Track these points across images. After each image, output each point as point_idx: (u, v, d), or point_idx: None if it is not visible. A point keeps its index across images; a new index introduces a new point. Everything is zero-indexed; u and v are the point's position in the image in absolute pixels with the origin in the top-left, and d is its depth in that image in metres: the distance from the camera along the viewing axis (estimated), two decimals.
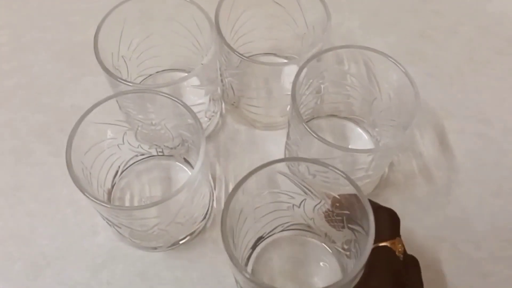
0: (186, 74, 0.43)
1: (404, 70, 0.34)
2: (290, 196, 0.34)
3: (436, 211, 0.39)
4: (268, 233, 0.37)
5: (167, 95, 0.33)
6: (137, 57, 0.41)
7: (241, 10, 0.40)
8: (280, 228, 0.37)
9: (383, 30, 0.49)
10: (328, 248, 0.37)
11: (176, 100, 0.33)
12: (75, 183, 0.30)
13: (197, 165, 0.31)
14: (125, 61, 0.40)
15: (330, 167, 0.29)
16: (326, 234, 0.36)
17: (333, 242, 0.36)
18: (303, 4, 0.39)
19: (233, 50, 0.35)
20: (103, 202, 0.29)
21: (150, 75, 0.44)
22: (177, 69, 0.44)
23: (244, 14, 0.41)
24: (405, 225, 0.38)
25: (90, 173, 0.34)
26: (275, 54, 0.45)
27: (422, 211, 0.39)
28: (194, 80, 0.35)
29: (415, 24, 0.49)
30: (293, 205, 0.35)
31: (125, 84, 0.33)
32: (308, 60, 0.35)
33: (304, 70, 0.35)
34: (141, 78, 0.43)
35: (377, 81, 0.37)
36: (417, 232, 0.38)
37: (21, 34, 0.48)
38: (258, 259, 0.37)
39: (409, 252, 0.37)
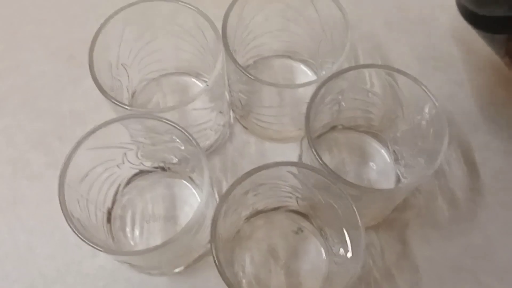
0: (191, 77, 0.41)
1: (436, 104, 0.30)
2: (296, 190, 0.33)
3: (458, 238, 0.37)
4: (267, 209, 0.36)
5: (167, 121, 0.30)
6: (138, 62, 0.38)
7: (252, 14, 0.36)
8: (281, 209, 0.37)
9: (408, 29, 0.44)
10: (320, 244, 0.36)
11: (176, 126, 0.30)
12: (71, 228, 0.28)
13: (201, 204, 0.29)
14: (125, 68, 0.37)
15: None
16: (321, 229, 0.36)
17: (326, 239, 0.35)
18: (320, 10, 0.35)
19: (242, 70, 0.31)
20: (103, 247, 0.27)
21: (154, 79, 0.41)
22: (182, 72, 0.41)
23: (256, 18, 0.37)
24: (424, 253, 0.36)
25: (86, 200, 0.32)
26: (289, 57, 0.42)
27: (443, 238, 0.36)
28: (199, 103, 0.32)
29: (445, 22, 0.44)
30: (296, 198, 0.35)
31: (124, 108, 0.31)
32: (326, 81, 0.32)
33: (322, 91, 0.32)
34: (144, 83, 0.40)
35: (402, 103, 0.33)
36: (436, 261, 0.36)
37: (15, 28, 0.45)
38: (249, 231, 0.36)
39: (427, 282, 0.35)
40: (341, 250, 0.32)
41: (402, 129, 0.35)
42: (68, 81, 0.42)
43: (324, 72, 0.39)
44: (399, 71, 0.31)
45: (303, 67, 0.42)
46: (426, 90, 0.31)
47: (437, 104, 0.30)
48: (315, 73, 0.41)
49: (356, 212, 0.28)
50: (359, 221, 0.28)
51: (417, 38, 0.44)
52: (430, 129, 0.31)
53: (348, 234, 0.30)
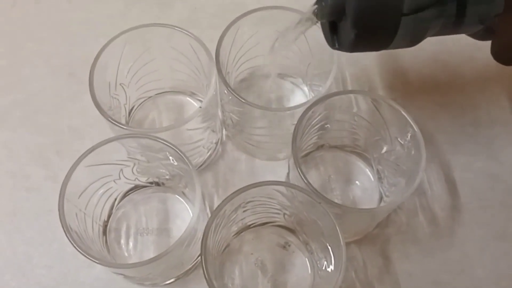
0: (186, 96, 0.43)
1: (415, 129, 0.32)
2: (284, 207, 0.35)
3: (437, 254, 0.38)
4: (256, 224, 0.38)
5: (162, 141, 0.32)
6: (136, 82, 0.40)
7: (245, 38, 0.38)
8: (269, 224, 0.38)
9: (394, 54, 0.46)
10: (305, 258, 0.37)
11: (170, 145, 0.32)
12: (69, 240, 0.29)
13: (193, 218, 0.30)
14: (123, 87, 0.39)
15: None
16: (307, 244, 0.37)
17: (311, 253, 0.37)
18: (308, 35, 0.37)
19: (234, 93, 0.33)
20: (98, 259, 0.29)
21: (150, 97, 0.43)
22: (178, 91, 0.43)
23: (249, 41, 0.39)
24: (404, 268, 0.38)
25: (84, 213, 0.34)
26: (281, 77, 0.44)
27: (423, 253, 0.38)
28: (193, 123, 0.33)
29: (428, 47, 0.46)
30: (284, 214, 0.36)
31: (121, 127, 0.32)
32: (313, 105, 0.33)
33: (308, 114, 0.34)
34: (141, 101, 0.42)
35: (385, 125, 0.35)
36: (416, 275, 0.38)
37: (18, 45, 0.47)
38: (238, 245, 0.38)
39: None
40: (325, 264, 0.34)
41: (385, 150, 0.37)
42: (67, 97, 0.44)
43: (313, 94, 0.41)
44: (382, 98, 0.33)
45: (293, 87, 0.44)
46: (406, 115, 0.33)
47: (416, 128, 0.32)
48: (305, 93, 0.43)
49: (339, 231, 0.30)
50: (341, 239, 0.29)
51: (402, 62, 0.46)
52: (409, 151, 0.33)
53: (331, 249, 0.32)
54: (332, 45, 0.30)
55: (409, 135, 0.33)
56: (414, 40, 0.28)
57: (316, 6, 0.29)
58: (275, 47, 0.34)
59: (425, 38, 0.29)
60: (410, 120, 0.33)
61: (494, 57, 0.30)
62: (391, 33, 0.26)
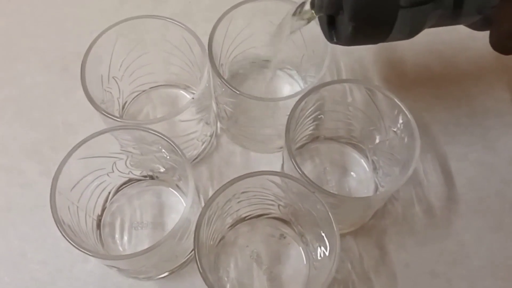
0: (180, 89, 0.43)
1: (409, 117, 0.32)
2: (278, 198, 0.35)
3: (433, 244, 0.38)
4: (251, 216, 0.38)
5: (155, 132, 0.32)
6: (129, 75, 0.39)
7: (238, 30, 0.38)
8: (264, 216, 0.38)
9: (388, 45, 0.46)
10: (301, 249, 0.37)
11: (163, 137, 0.32)
12: (61, 233, 0.29)
13: (185, 210, 0.30)
14: (116, 81, 0.38)
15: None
16: (302, 236, 0.37)
17: (307, 244, 0.37)
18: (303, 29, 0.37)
19: (227, 84, 0.33)
20: (92, 252, 0.29)
21: (144, 91, 0.42)
22: (171, 85, 0.43)
23: (242, 33, 0.39)
24: (401, 259, 0.38)
25: (77, 207, 0.33)
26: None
27: (419, 244, 0.38)
28: (186, 114, 0.33)
29: (423, 37, 0.46)
30: (278, 205, 0.36)
31: (113, 119, 0.32)
32: (306, 94, 0.33)
33: (302, 104, 0.33)
34: (134, 94, 0.42)
35: (379, 115, 0.35)
36: (411, 266, 0.37)
37: (12, 41, 0.47)
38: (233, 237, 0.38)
39: (403, 287, 0.37)
40: (320, 254, 0.34)
41: (380, 140, 0.37)
42: (61, 92, 0.44)
43: (306, 85, 0.41)
44: (376, 87, 0.33)
45: (288, 78, 0.43)
46: (399, 102, 0.33)
47: (409, 116, 0.32)
48: (299, 84, 0.43)
49: (332, 219, 0.29)
50: (335, 226, 0.29)
51: (397, 53, 0.46)
52: (403, 139, 0.33)
53: (326, 238, 0.32)
54: (330, 39, 0.30)
55: (402, 123, 0.33)
56: (412, 32, 0.28)
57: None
58: (272, 41, 0.34)
59: (423, 29, 0.29)
60: (403, 108, 0.32)
61: (493, 47, 0.30)
62: (389, 26, 0.26)
